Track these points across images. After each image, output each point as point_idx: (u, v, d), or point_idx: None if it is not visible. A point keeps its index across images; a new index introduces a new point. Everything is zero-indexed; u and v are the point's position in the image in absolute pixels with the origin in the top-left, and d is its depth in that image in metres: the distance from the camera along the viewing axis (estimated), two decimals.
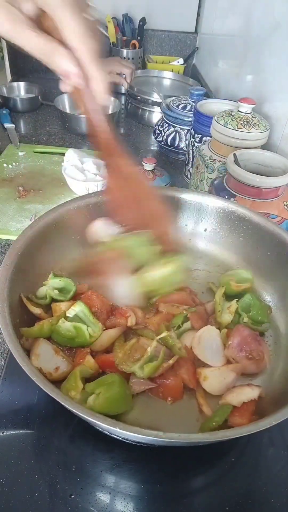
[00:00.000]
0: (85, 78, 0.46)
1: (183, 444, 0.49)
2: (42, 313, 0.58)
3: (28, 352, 0.52)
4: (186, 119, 1.16)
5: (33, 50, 0.43)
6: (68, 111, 1.35)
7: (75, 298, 0.61)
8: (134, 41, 1.63)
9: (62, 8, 0.41)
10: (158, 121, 1.26)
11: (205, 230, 0.75)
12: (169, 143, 1.21)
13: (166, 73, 1.59)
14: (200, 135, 1.02)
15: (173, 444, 0.50)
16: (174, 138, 1.20)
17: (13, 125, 1.27)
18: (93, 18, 0.46)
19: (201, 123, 1.00)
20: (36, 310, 0.58)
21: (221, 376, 0.54)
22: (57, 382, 0.51)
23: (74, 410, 0.42)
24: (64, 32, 0.43)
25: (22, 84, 1.52)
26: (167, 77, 1.58)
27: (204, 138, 1.02)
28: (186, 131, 1.18)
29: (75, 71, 0.44)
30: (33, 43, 0.43)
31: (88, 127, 0.53)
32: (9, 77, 1.76)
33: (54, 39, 0.44)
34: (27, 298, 0.58)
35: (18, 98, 1.42)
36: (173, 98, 1.24)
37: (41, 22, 0.45)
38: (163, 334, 0.55)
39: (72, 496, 0.48)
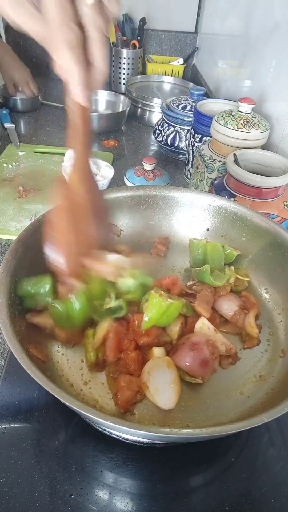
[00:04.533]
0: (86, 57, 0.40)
1: (175, 440, 0.50)
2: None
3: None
4: (186, 119, 1.16)
5: (35, 35, 0.39)
6: None
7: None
8: (134, 41, 1.63)
9: None
10: (158, 121, 1.26)
11: (208, 229, 0.75)
12: (169, 143, 1.21)
13: (166, 77, 1.60)
14: (200, 135, 1.02)
15: (165, 440, 0.50)
16: (174, 138, 1.20)
17: (13, 125, 1.27)
18: None
19: (201, 123, 1.00)
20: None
21: None
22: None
23: (75, 408, 0.42)
24: None
25: None
26: (167, 82, 1.59)
27: (204, 138, 1.02)
28: (186, 131, 1.18)
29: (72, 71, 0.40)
30: (35, 27, 0.39)
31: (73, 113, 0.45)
32: None
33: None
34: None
35: (18, 98, 1.42)
36: (173, 98, 1.24)
37: None
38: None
39: (72, 496, 0.49)
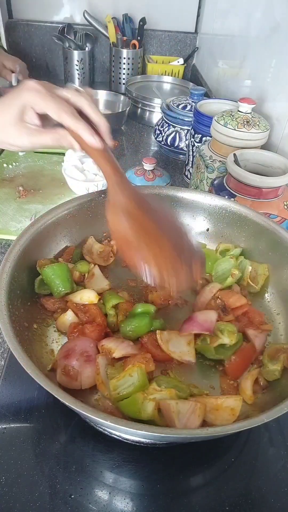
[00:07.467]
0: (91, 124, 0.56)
1: (175, 440, 0.50)
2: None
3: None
4: (186, 119, 1.16)
5: (49, 146, 0.56)
6: None
7: None
8: (134, 41, 1.63)
9: (48, 99, 0.53)
10: (158, 121, 1.26)
11: (208, 230, 0.75)
12: (169, 143, 1.21)
13: (166, 77, 1.60)
14: (200, 135, 1.02)
15: (165, 440, 0.50)
16: (174, 138, 1.20)
17: None
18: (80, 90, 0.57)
19: (201, 123, 1.00)
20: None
21: None
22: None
23: (74, 407, 0.42)
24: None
25: None
26: (167, 82, 1.59)
27: (204, 138, 1.02)
28: (186, 131, 1.18)
29: (76, 144, 0.55)
30: (47, 141, 0.56)
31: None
32: None
33: (58, 129, 0.55)
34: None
35: None
36: (173, 98, 1.24)
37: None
38: None
39: (72, 496, 0.49)
